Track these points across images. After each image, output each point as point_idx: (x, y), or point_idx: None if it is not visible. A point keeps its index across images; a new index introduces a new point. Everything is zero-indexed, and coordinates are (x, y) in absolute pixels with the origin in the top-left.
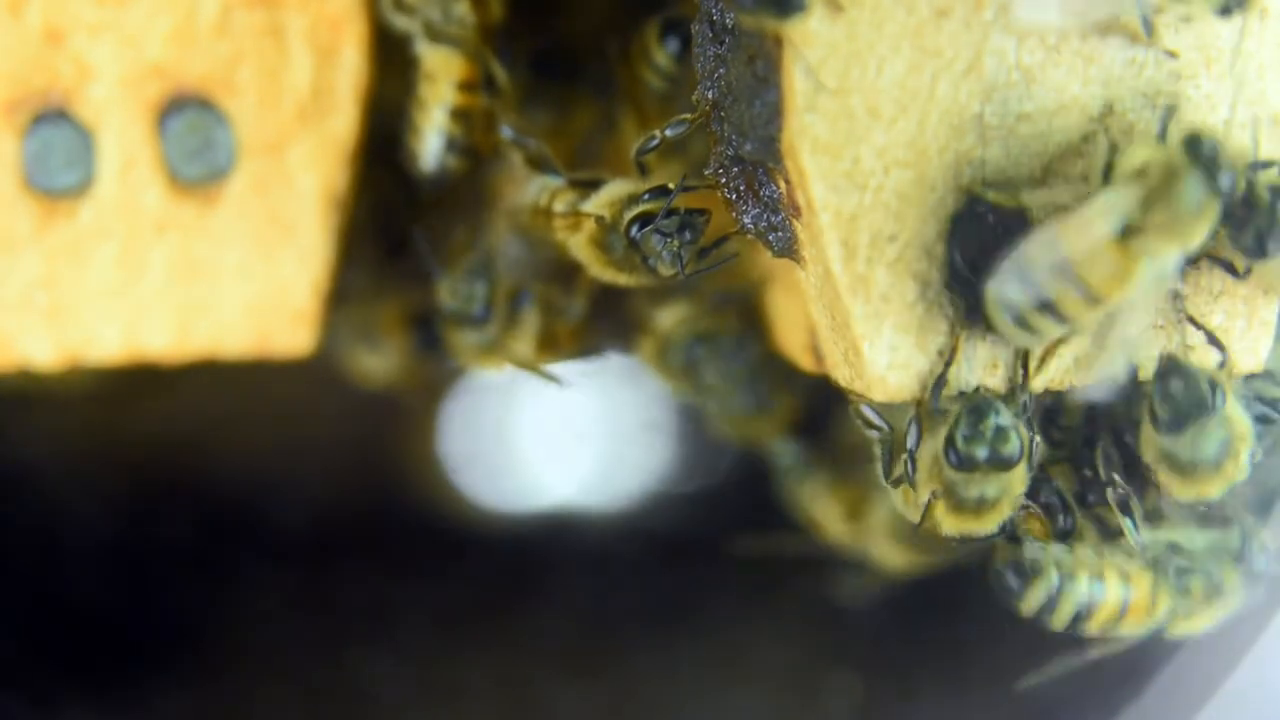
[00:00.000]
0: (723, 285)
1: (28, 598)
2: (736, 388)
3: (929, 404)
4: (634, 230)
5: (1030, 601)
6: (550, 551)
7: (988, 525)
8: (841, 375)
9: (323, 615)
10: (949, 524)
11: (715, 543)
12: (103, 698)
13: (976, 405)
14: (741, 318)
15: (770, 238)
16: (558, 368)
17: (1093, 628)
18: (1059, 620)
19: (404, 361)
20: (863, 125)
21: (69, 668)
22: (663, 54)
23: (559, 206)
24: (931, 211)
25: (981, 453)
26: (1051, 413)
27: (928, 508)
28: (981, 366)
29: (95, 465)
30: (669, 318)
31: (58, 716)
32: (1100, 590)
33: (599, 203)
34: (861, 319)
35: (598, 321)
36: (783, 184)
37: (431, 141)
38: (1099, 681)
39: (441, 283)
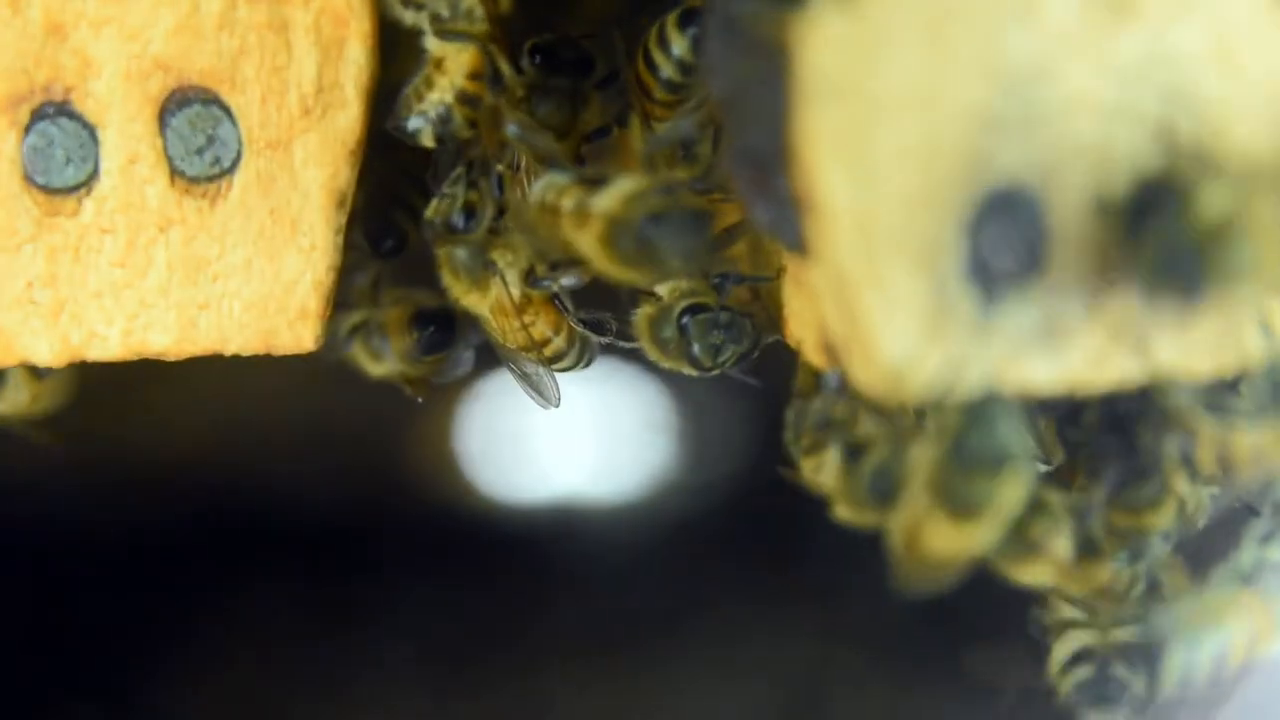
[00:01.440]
0: (737, 272)
1: (25, 595)
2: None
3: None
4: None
5: (1168, 683)
6: (560, 547)
7: (975, 538)
8: (855, 374)
9: (323, 612)
10: (935, 535)
11: (727, 539)
12: (101, 696)
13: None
14: (744, 302)
15: (782, 234)
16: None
17: (1233, 670)
18: (1204, 680)
19: (409, 361)
20: (874, 120)
21: (66, 666)
22: (682, 43)
23: (566, 203)
24: (945, 208)
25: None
26: (1070, 415)
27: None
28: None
29: (94, 460)
30: (667, 286)
31: (55, 715)
32: (1225, 635)
33: (609, 200)
34: (874, 317)
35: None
36: (794, 179)
37: (429, 104)
38: None
39: (430, 205)
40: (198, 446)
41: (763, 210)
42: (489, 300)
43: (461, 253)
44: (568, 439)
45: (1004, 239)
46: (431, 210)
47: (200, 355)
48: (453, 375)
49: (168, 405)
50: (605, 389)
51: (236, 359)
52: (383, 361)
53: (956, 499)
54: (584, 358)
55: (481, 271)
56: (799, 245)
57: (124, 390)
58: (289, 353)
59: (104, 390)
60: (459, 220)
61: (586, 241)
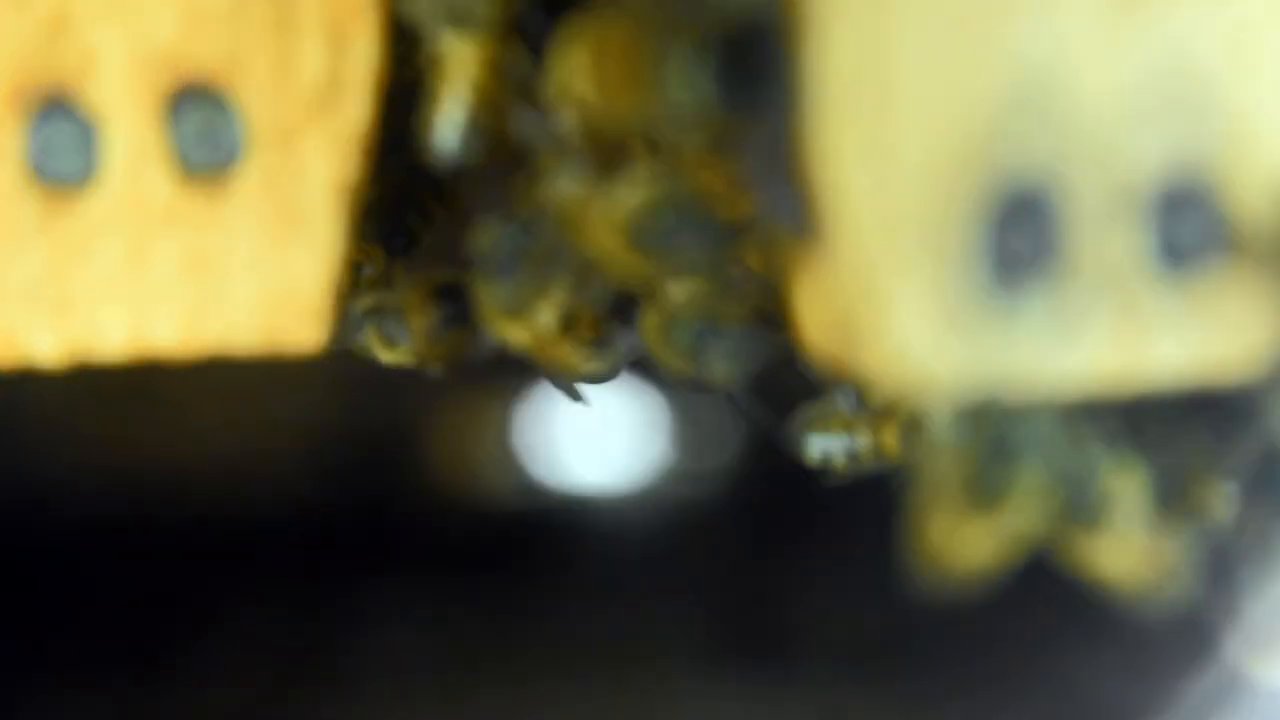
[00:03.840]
0: (747, 268)
1: (28, 598)
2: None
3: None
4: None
5: None
6: (566, 547)
7: (1005, 533)
8: (871, 369)
9: (320, 612)
10: (964, 535)
11: (733, 537)
12: (106, 698)
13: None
14: (758, 304)
15: (794, 222)
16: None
17: None
18: None
19: (431, 340)
20: (890, 103)
21: (68, 670)
22: None
23: (581, 195)
24: (965, 195)
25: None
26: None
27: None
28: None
29: (99, 462)
30: (680, 293)
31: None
32: None
33: (625, 192)
34: (892, 309)
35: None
36: (808, 165)
37: (454, 116)
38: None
39: (475, 231)
40: (199, 449)
41: (776, 198)
42: (529, 333)
43: (499, 293)
44: (569, 437)
45: (1022, 230)
46: (478, 237)
47: (205, 353)
48: (477, 355)
49: (171, 407)
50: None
51: (241, 358)
52: (397, 347)
53: (988, 493)
54: (617, 371)
55: (522, 310)
56: (814, 236)
57: (127, 391)
58: (296, 349)
59: (110, 391)
60: (506, 262)
61: (602, 236)
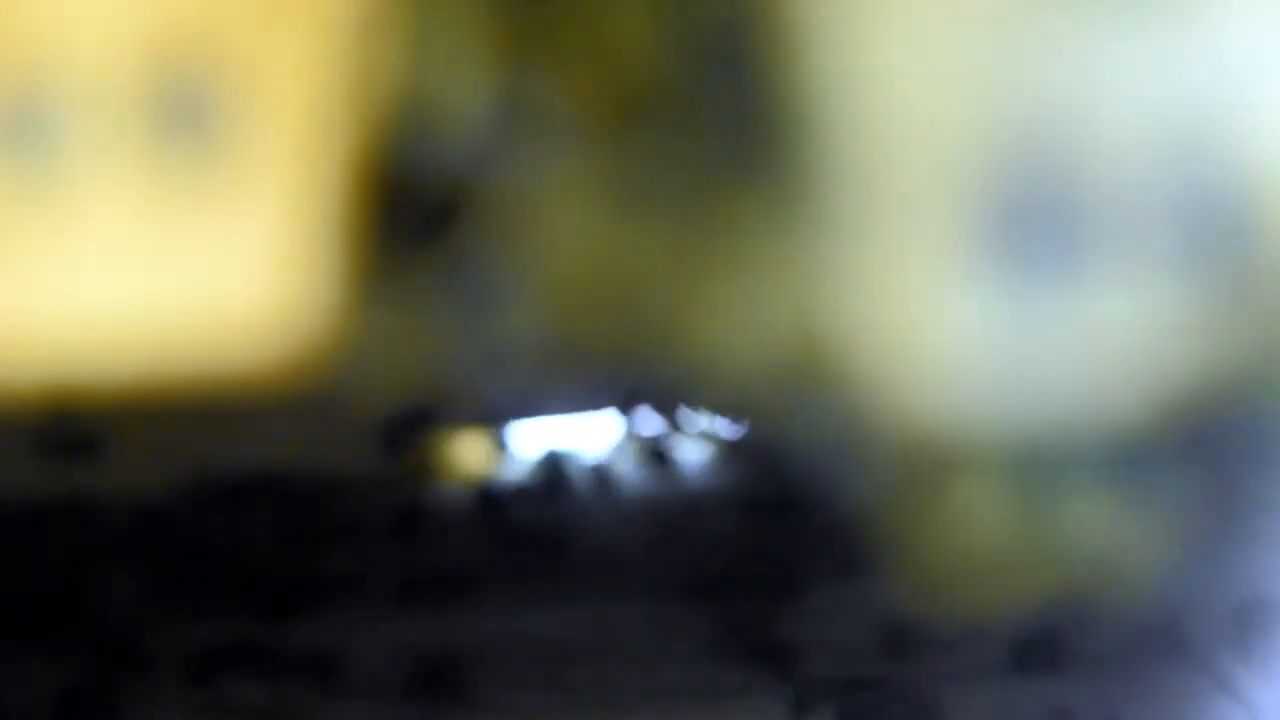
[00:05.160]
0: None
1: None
2: None
3: None
4: None
5: None
6: (566, 548)
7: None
8: (873, 369)
9: (319, 613)
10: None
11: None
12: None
13: None
14: (759, 302)
15: (781, 195)
16: None
17: None
18: None
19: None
20: (890, 87)
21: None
22: None
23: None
24: (967, 184)
25: None
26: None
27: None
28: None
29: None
30: (675, 292)
31: None
32: None
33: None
34: (897, 310)
35: None
36: (794, 143)
37: (457, 67)
38: None
39: (471, 235)
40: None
41: (772, 172)
42: (526, 337)
43: (497, 296)
44: (569, 439)
45: (1029, 223)
46: (468, 248)
47: (191, 350)
48: (476, 359)
49: (143, 440)
50: (611, 387)
51: (216, 384)
52: (393, 358)
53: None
54: (616, 376)
55: (520, 315)
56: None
57: (98, 423)
58: (292, 352)
59: (83, 420)
60: (500, 265)
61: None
